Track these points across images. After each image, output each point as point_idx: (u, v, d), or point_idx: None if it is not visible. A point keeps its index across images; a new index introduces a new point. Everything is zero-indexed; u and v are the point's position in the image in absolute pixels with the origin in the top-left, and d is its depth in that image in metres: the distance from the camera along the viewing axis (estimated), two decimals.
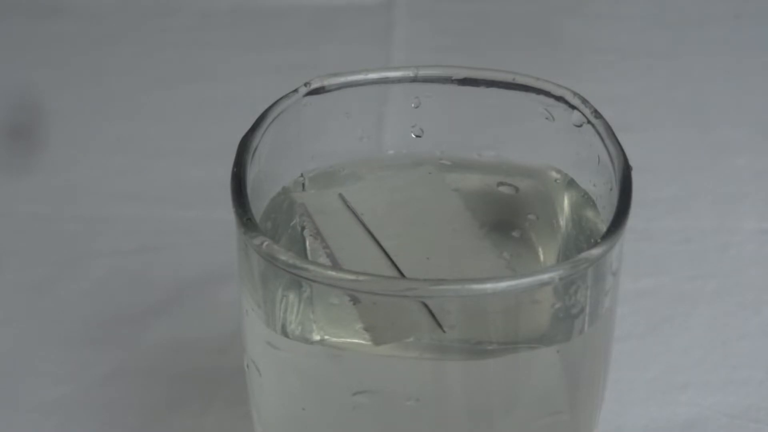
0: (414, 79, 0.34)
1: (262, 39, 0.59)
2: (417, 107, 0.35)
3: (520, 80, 0.34)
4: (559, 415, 0.31)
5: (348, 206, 0.33)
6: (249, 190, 0.30)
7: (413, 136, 0.35)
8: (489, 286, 0.28)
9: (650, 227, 0.48)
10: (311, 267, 0.28)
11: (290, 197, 0.34)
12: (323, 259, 0.32)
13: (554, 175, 0.35)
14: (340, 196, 0.34)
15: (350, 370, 0.31)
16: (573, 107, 0.33)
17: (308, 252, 0.33)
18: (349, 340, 0.31)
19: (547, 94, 0.33)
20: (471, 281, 0.28)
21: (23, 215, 0.49)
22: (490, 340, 0.30)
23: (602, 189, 0.32)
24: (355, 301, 0.29)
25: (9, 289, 0.45)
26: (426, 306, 0.29)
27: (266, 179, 0.33)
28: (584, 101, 0.33)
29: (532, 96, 0.33)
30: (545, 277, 0.28)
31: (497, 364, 0.30)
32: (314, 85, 0.34)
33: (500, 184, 0.35)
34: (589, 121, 0.33)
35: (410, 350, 0.30)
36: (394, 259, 0.32)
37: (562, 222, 0.34)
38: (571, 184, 0.34)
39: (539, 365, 0.30)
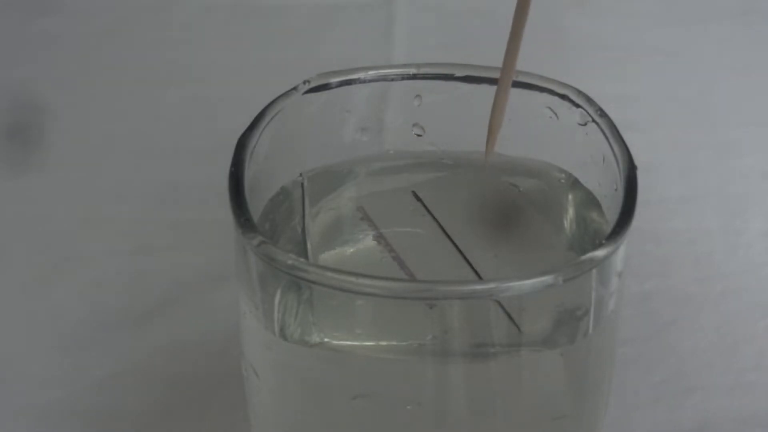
0: (415, 77, 0.34)
1: (261, 36, 0.59)
2: (418, 105, 0.34)
3: (523, 78, 0.33)
4: (563, 419, 0.31)
5: (424, 204, 0.33)
6: (247, 190, 0.30)
7: (414, 135, 0.35)
8: (492, 287, 0.28)
9: (656, 228, 0.48)
10: (311, 268, 0.28)
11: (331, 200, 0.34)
12: (389, 264, 0.32)
13: (558, 174, 0.34)
14: (414, 193, 0.34)
15: (350, 373, 0.30)
16: (577, 105, 0.33)
17: (309, 253, 0.33)
18: (349, 342, 0.30)
19: (551, 92, 0.33)
20: (474, 282, 0.28)
21: (17, 215, 0.49)
22: (492, 343, 0.29)
23: (607, 189, 0.32)
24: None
25: (2, 291, 0.45)
26: (501, 305, 0.28)
27: (265, 179, 0.33)
28: (589, 99, 0.33)
29: (536, 94, 0.33)
30: (549, 278, 0.28)
31: (500, 367, 0.30)
32: (314, 83, 0.34)
33: (503, 183, 0.34)
34: (593, 120, 0.32)
35: (411, 353, 0.30)
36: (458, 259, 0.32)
37: (567, 222, 0.34)
38: (575, 184, 0.34)
39: (543, 368, 0.30)
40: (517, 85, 0.33)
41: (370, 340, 0.30)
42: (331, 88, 0.34)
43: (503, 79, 0.32)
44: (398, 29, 0.58)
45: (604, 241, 0.29)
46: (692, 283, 0.45)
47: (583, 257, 0.28)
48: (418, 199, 0.34)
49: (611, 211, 0.31)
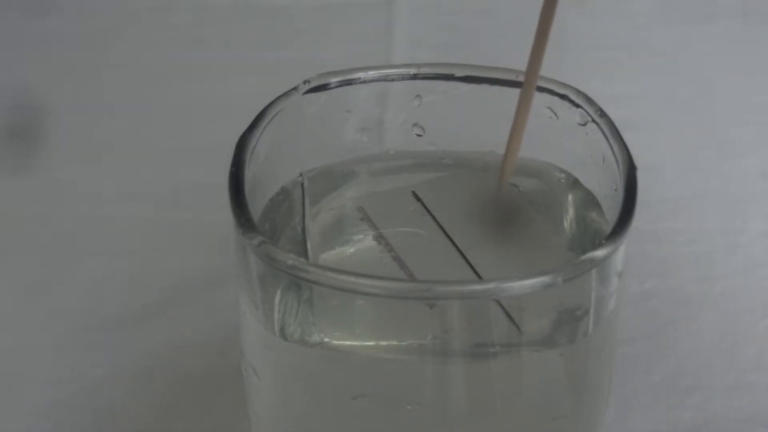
0: (415, 77, 0.34)
1: (261, 36, 0.59)
2: (418, 105, 0.34)
3: (523, 78, 0.33)
4: (563, 419, 0.31)
5: (424, 205, 0.33)
6: (247, 190, 0.30)
7: (414, 135, 0.35)
8: (492, 287, 0.27)
9: (656, 228, 0.48)
10: (311, 268, 0.28)
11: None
12: (389, 264, 0.32)
13: (558, 174, 0.34)
14: (414, 193, 0.34)
15: (350, 373, 0.30)
16: (577, 105, 0.33)
17: (309, 253, 0.33)
18: (349, 342, 0.30)
19: (551, 92, 0.33)
20: (474, 282, 0.28)
21: (17, 215, 0.49)
22: (492, 343, 0.29)
23: (607, 189, 0.32)
24: None
25: (3, 290, 0.45)
26: (501, 305, 0.28)
27: (265, 179, 0.33)
28: (588, 99, 0.33)
29: (536, 94, 0.33)
30: (549, 278, 0.28)
31: (500, 367, 0.30)
32: (314, 83, 0.33)
33: (503, 183, 0.34)
34: (593, 120, 0.32)
35: (411, 353, 0.30)
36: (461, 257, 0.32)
37: (567, 222, 0.34)
38: (575, 184, 0.34)
39: (542, 368, 0.30)
40: (517, 85, 0.33)
41: (370, 340, 0.30)
42: (331, 88, 0.34)
43: (526, 89, 0.32)
44: (398, 29, 0.58)
45: (604, 241, 0.29)
46: (692, 283, 0.45)
47: (583, 257, 0.28)
48: (418, 199, 0.34)
49: (611, 211, 0.31)
